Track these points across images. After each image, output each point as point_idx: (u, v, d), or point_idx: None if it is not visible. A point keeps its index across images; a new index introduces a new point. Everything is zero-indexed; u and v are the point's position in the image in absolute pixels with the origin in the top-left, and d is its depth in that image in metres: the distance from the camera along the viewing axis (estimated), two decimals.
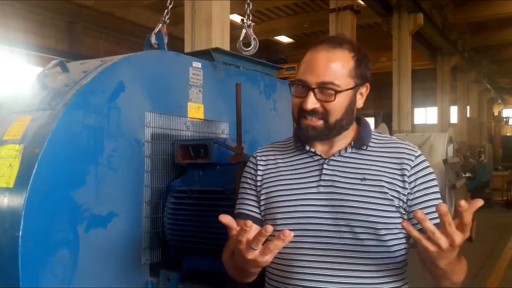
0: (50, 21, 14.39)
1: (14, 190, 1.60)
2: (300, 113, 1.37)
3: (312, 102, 1.33)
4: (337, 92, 1.33)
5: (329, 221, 1.33)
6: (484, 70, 23.56)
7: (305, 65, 1.38)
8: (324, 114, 1.35)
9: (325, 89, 1.33)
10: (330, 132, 1.37)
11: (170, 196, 2.13)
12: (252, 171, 1.50)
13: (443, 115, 19.64)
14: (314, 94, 1.33)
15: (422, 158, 1.39)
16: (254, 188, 1.47)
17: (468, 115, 23.16)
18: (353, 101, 1.39)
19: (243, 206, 1.47)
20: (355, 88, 1.38)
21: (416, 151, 1.40)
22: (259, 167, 1.48)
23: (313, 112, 1.34)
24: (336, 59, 1.35)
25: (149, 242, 2.06)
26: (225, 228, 1.32)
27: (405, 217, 1.34)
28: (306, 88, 1.35)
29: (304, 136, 1.39)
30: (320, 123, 1.35)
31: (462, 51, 19.45)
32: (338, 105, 1.35)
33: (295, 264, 1.36)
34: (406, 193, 1.34)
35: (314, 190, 1.37)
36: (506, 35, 18.46)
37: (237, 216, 1.47)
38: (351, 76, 1.36)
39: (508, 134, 28.14)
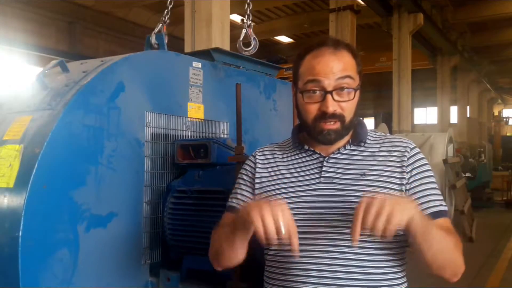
0: (50, 21, 14.38)
1: (14, 190, 1.60)
2: (317, 119, 1.37)
3: (333, 105, 1.34)
4: (355, 90, 1.37)
5: (329, 217, 1.34)
6: (484, 70, 23.52)
7: (313, 70, 1.36)
8: (341, 116, 1.36)
9: (343, 88, 1.34)
10: (347, 132, 1.41)
11: (170, 196, 2.13)
12: (250, 168, 1.51)
13: (443, 115, 19.65)
14: (332, 97, 1.34)
15: (417, 149, 1.43)
16: (250, 185, 1.48)
17: (468, 115, 23.16)
18: (359, 99, 1.42)
19: (236, 200, 1.48)
20: (360, 85, 1.41)
21: (411, 144, 1.44)
22: (258, 165, 1.49)
23: (332, 115, 1.35)
24: (344, 56, 1.37)
25: (149, 242, 2.06)
26: None
27: None
28: (322, 92, 1.35)
29: (326, 140, 1.39)
30: (338, 125, 1.37)
31: (462, 51, 19.44)
32: (353, 104, 1.38)
33: (295, 260, 1.35)
34: (404, 183, 1.37)
35: (315, 187, 1.38)
36: (506, 35, 18.44)
37: (228, 209, 1.48)
38: (358, 73, 1.40)
39: (508, 134, 28.08)
